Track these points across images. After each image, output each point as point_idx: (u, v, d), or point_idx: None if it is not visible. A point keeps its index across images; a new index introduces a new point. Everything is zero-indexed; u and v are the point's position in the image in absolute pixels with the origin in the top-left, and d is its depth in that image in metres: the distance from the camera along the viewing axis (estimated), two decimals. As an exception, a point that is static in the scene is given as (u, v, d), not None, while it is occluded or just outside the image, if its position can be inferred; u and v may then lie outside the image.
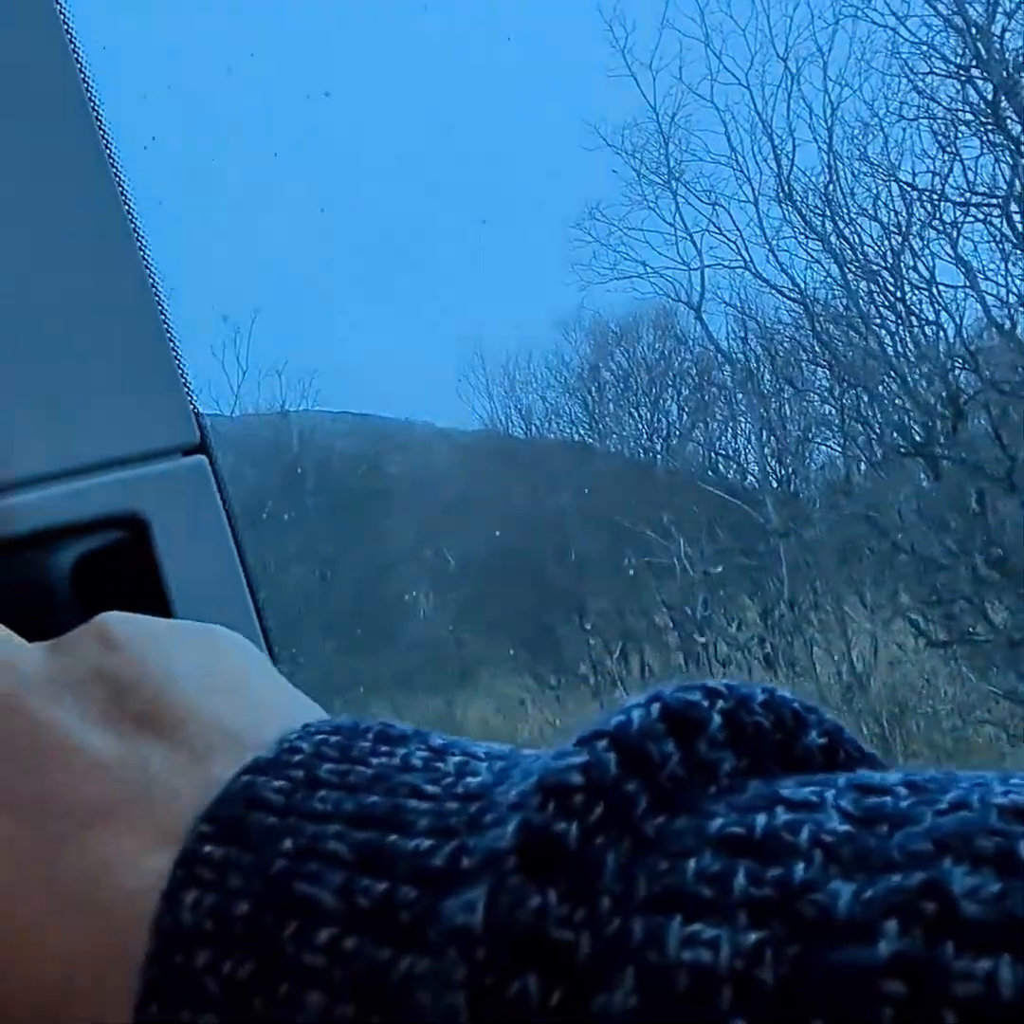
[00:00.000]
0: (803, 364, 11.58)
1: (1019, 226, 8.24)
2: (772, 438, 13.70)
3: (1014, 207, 8.19)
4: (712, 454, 15.75)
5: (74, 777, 0.33)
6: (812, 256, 9.48)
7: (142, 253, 0.45)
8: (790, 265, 9.39)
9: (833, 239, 9.11)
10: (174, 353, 0.46)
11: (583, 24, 9.97)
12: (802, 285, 9.36)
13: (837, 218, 9.12)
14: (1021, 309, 8.57)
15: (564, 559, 13.53)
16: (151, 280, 0.44)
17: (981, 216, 8.73)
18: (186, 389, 0.45)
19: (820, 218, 9.07)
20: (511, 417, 18.12)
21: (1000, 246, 8.82)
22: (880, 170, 9.10)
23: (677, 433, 18.33)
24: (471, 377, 24.13)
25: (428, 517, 19.14)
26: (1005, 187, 8.17)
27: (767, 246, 9.23)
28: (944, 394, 9.18)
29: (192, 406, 0.46)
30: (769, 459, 15.22)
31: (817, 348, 9.74)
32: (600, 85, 10.04)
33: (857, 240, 9.24)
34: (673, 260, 9.81)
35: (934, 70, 8.37)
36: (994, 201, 8.31)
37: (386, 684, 14.18)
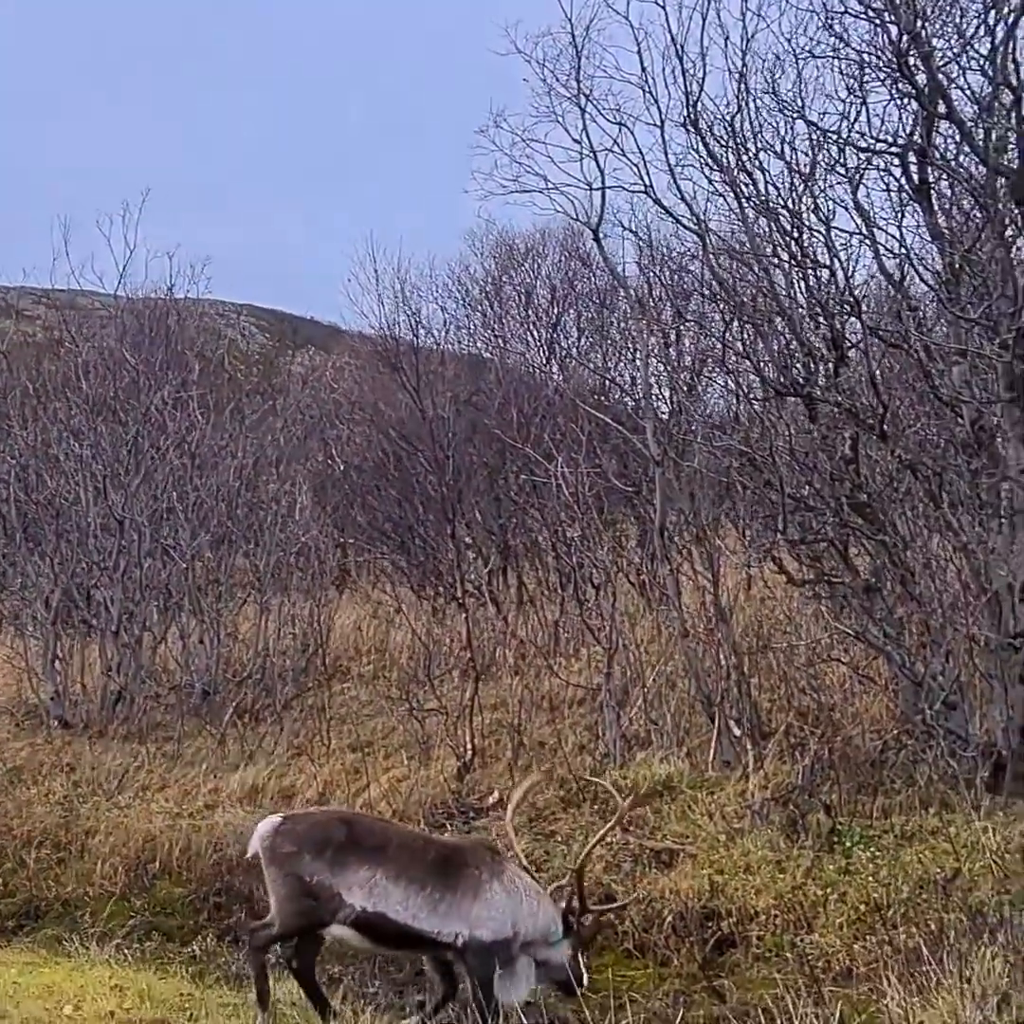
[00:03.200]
0: (700, 296, 11.60)
1: (916, 178, 8.30)
2: (664, 368, 13.74)
3: (912, 158, 8.23)
4: (604, 379, 15.74)
5: None
6: (714, 187, 9.45)
7: None
8: (691, 194, 9.35)
9: (735, 172, 9.07)
10: None
11: (505, -75, 9.71)
12: (701, 215, 9.33)
13: (742, 151, 9.08)
14: (911, 260, 8.67)
15: (444, 470, 13.45)
16: None
17: (882, 164, 8.76)
18: None
19: (724, 149, 9.02)
20: (402, 324, 17.90)
21: (898, 196, 8.89)
22: (789, 107, 9.06)
23: (574, 354, 18.30)
24: (361, 278, 23.71)
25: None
26: (905, 137, 8.21)
27: (669, 172, 9.17)
28: (829, 337, 9.27)
29: None
30: (659, 388, 15.32)
31: (710, 281, 9.73)
32: (518, -11, 9.81)
33: (760, 176, 9.22)
34: (575, 178, 9.70)
35: (849, 9, 8.33)
36: (895, 150, 8.34)
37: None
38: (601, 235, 10.22)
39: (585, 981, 5.99)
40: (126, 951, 7.02)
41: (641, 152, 9.50)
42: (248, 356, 34.85)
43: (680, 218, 9.51)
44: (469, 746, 9.77)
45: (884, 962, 5.79)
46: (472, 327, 20.16)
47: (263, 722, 11.64)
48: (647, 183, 9.47)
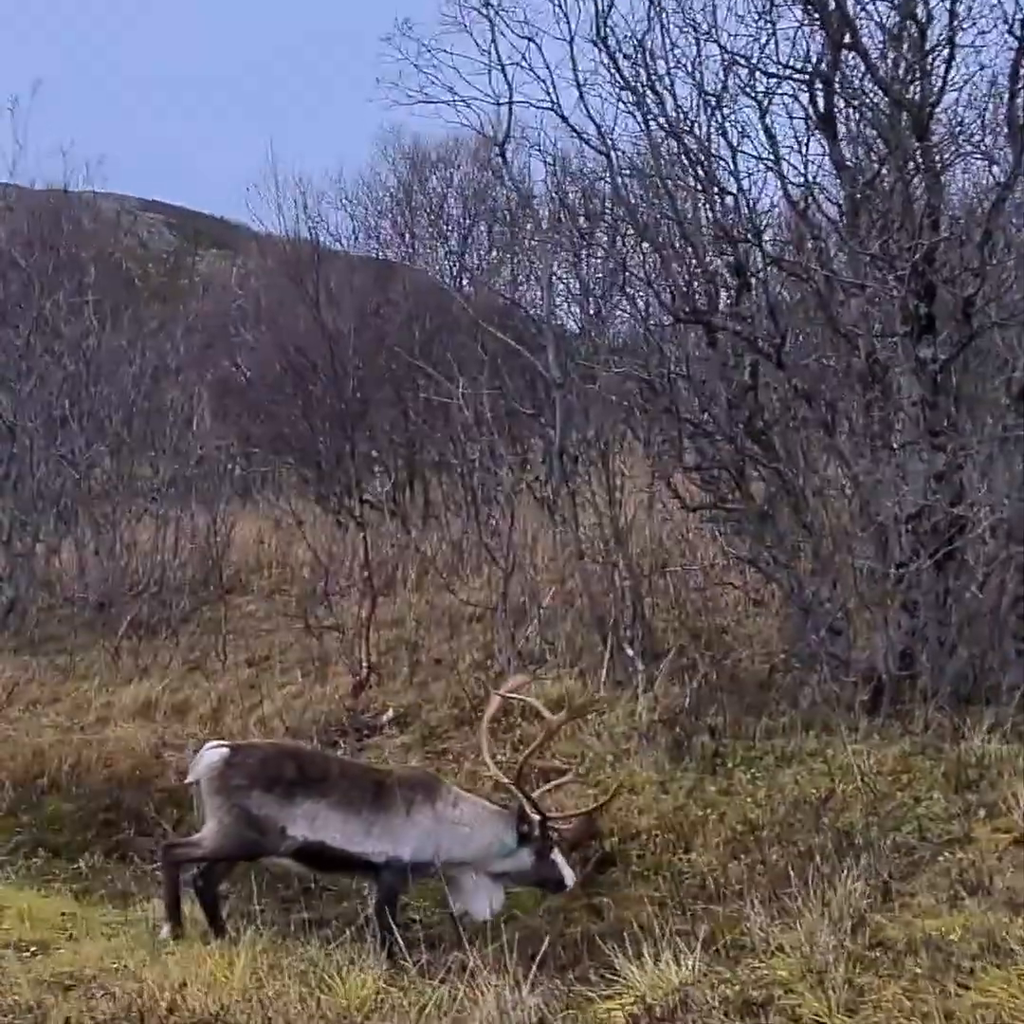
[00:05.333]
0: (603, 219, 11.46)
1: (822, 106, 8.26)
2: (568, 289, 13.65)
3: (819, 86, 8.19)
4: (509, 298, 15.55)
5: None
6: (624, 105, 9.30)
7: None
8: (599, 112, 9.23)
9: (644, 92, 8.94)
10: None
11: None
12: (608, 135, 9.21)
13: (651, 71, 8.95)
14: (812, 190, 8.67)
15: (343, 388, 13.25)
16: None
17: (790, 90, 8.71)
18: None
19: (634, 68, 8.88)
20: (305, 235, 17.44)
21: (804, 124, 8.86)
22: (700, 28, 8.93)
23: (480, 274, 18.04)
24: (262, 187, 22.97)
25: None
26: (813, 65, 8.15)
27: (577, 90, 9.01)
28: (732, 264, 9.26)
29: None
30: (568, 307, 15.23)
31: (616, 203, 9.62)
32: None
33: (669, 97, 9.09)
34: (482, 92, 9.50)
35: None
36: (802, 78, 8.28)
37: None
38: (508, 150, 10.05)
39: (571, 879, 6.23)
40: (10, 869, 6.99)
41: (549, 68, 9.34)
42: (154, 255, 33.84)
43: (587, 137, 9.39)
44: (365, 664, 9.81)
45: (754, 882, 5.98)
46: (382, 235, 19.82)
47: (158, 636, 11.57)
48: (555, 100, 9.32)
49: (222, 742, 6.45)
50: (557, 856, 6.23)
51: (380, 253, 19.63)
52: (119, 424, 13.18)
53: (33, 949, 5.54)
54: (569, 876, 6.24)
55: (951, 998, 4.17)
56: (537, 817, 6.22)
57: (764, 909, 5.10)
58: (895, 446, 8.61)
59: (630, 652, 9.53)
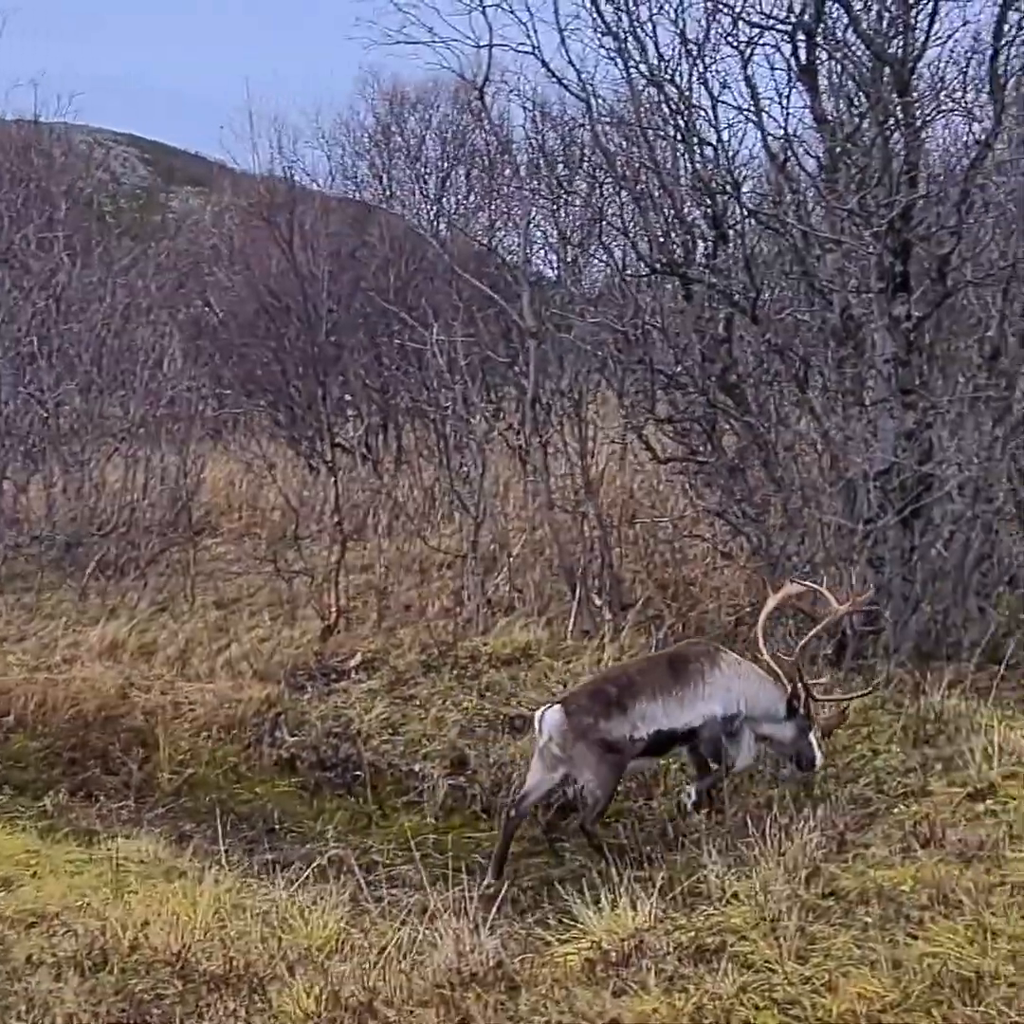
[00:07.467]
0: (581, 168, 11.38)
1: (803, 58, 8.20)
2: (545, 237, 13.56)
3: (801, 38, 8.12)
4: (485, 244, 15.39)
5: None
6: (605, 52, 9.19)
7: None
8: (580, 58, 9.11)
9: (624, 37, 8.84)
10: None
11: None
12: (588, 82, 9.10)
13: (633, 17, 8.84)
14: (792, 144, 8.62)
15: (316, 331, 13.13)
16: None
17: (772, 41, 8.63)
18: None
19: (616, 14, 8.76)
20: (279, 175, 17.17)
21: (785, 76, 8.80)
22: (683, -28, 8.82)
23: (457, 219, 17.84)
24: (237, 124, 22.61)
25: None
26: (796, 15, 8.07)
27: (558, 34, 8.89)
28: (710, 216, 9.23)
29: None
30: (544, 255, 15.13)
31: (595, 150, 9.53)
32: None
33: (650, 44, 8.99)
34: (463, 33, 9.35)
35: None
36: (784, 28, 8.21)
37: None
38: (488, 94, 9.93)
39: (820, 760, 6.70)
40: (-26, 806, 6.99)
41: (530, 11, 9.22)
42: (127, 191, 33.33)
43: (567, 83, 9.28)
44: (334, 608, 9.83)
45: (712, 831, 6.08)
46: (359, 176, 19.58)
47: (126, 577, 11.53)
48: (535, 44, 9.20)
49: (551, 701, 6.84)
50: (813, 736, 6.75)
51: (357, 194, 19.42)
52: (89, 362, 13.02)
53: (-3, 885, 5.58)
54: (819, 757, 6.75)
55: (900, 947, 4.26)
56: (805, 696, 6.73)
57: (721, 858, 5.18)
58: (867, 403, 8.64)
59: (598, 602, 9.59)
